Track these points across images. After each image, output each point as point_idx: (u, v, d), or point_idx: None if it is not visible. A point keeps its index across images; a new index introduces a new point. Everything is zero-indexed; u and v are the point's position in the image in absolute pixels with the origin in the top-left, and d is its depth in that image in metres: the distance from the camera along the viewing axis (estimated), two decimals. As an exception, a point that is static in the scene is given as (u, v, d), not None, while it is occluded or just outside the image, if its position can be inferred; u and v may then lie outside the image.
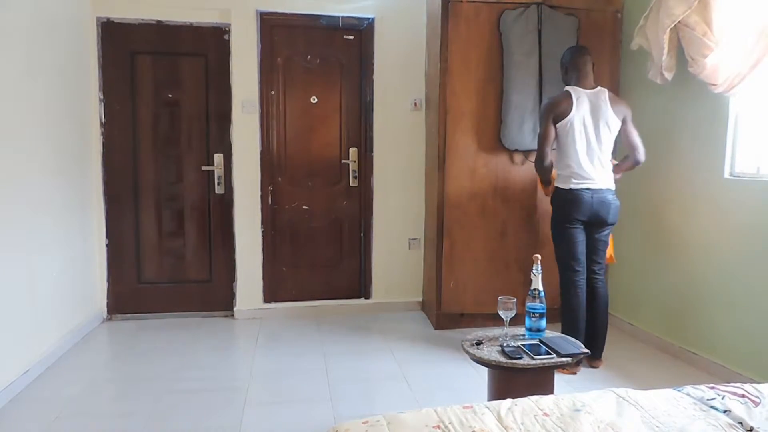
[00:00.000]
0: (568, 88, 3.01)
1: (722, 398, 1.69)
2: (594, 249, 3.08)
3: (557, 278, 3.37)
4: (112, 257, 3.91)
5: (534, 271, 2.31)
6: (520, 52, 3.46)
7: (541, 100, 3.47)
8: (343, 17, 3.95)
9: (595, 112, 2.95)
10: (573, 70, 3.04)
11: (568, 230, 3.02)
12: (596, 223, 3.02)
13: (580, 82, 3.00)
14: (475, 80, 3.53)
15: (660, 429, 1.52)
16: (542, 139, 3.01)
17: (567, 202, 2.97)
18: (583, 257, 3.05)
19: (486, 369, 2.29)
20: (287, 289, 4.11)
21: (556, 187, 3.05)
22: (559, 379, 2.35)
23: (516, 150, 3.55)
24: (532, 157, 3.53)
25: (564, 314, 3.08)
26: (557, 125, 2.97)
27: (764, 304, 2.72)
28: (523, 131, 3.50)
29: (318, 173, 4.08)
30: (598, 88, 3.01)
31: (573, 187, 2.95)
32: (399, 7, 3.98)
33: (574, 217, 2.97)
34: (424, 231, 4.15)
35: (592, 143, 2.96)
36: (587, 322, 3.08)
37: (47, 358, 3.09)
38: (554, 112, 2.97)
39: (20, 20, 2.88)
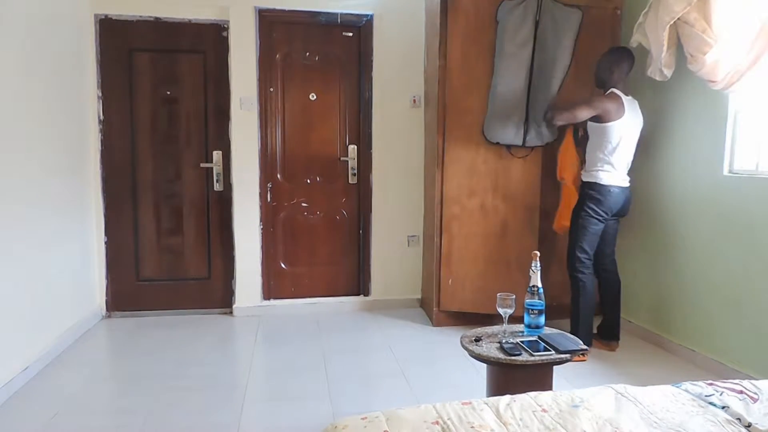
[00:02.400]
0: (616, 91, 3.14)
1: (720, 394, 1.69)
2: (613, 238, 3.37)
3: (556, 276, 3.39)
4: (111, 255, 3.90)
5: (533, 268, 2.31)
6: (514, 43, 3.35)
7: (529, 94, 3.37)
8: (341, 14, 3.94)
9: (635, 119, 3.19)
10: (619, 72, 3.17)
11: (597, 223, 3.20)
12: (618, 215, 3.31)
13: (620, 87, 3.17)
14: (474, 76, 3.49)
15: (658, 425, 1.52)
16: (569, 116, 3.14)
17: (604, 196, 3.15)
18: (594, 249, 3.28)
19: (485, 365, 2.30)
20: (286, 286, 4.12)
21: (593, 182, 3.18)
22: (558, 375, 2.35)
23: (498, 143, 3.47)
24: (517, 152, 3.49)
25: (582, 304, 3.22)
26: (602, 124, 3.12)
27: (763, 302, 2.73)
28: (507, 125, 3.41)
29: (317, 170, 4.08)
30: (630, 96, 3.21)
31: (612, 183, 3.16)
32: (398, 4, 3.98)
33: (610, 211, 3.19)
34: (423, 228, 4.15)
35: (629, 146, 3.19)
36: (606, 308, 3.36)
37: (46, 355, 3.09)
38: (603, 110, 3.10)
39: (17, 17, 2.87)
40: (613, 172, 3.17)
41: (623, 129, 3.13)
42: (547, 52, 3.34)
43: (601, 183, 3.16)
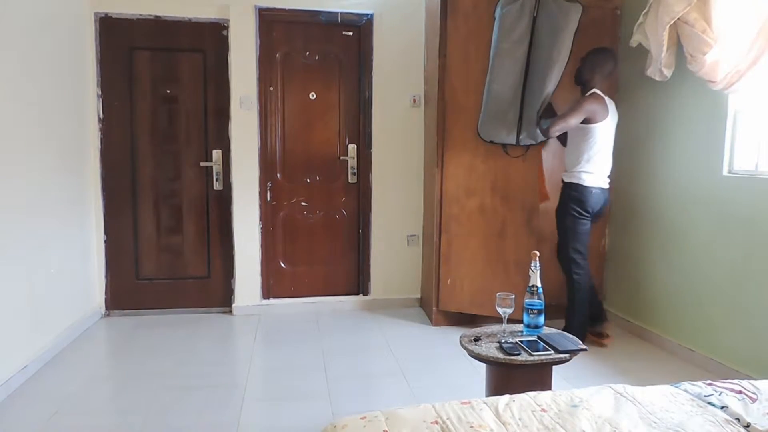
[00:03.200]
0: (598, 92, 3.19)
1: (719, 394, 1.69)
2: (589, 237, 3.41)
3: (556, 276, 3.39)
4: (111, 253, 3.90)
5: (532, 268, 2.31)
6: (510, 40, 3.25)
7: (524, 92, 3.29)
8: (342, 13, 3.94)
9: (615, 120, 3.27)
10: (601, 74, 3.24)
11: (585, 222, 3.27)
12: (597, 216, 3.36)
13: (600, 87, 3.22)
14: (474, 76, 3.48)
15: (657, 425, 1.52)
16: (564, 125, 3.12)
17: (586, 198, 3.21)
18: None
19: (484, 365, 2.30)
20: (285, 285, 4.12)
21: (576, 183, 3.22)
22: (557, 375, 2.35)
23: (491, 142, 3.41)
24: (513, 152, 3.44)
25: (577, 301, 3.30)
26: (588, 125, 3.14)
27: (762, 301, 2.73)
28: (501, 123, 3.34)
29: (316, 170, 4.08)
30: (608, 97, 3.27)
31: (593, 185, 3.22)
32: (398, 3, 3.97)
33: (591, 211, 3.25)
34: (422, 228, 4.15)
35: (610, 147, 3.26)
36: (593, 306, 3.41)
37: (45, 354, 3.09)
38: (591, 112, 3.13)
39: (17, 16, 2.87)
40: (595, 173, 3.21)
41: (606, 130, 3.18)
42: (543, 49, 3.22)
43: (584, 185, 3.21)
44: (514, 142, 3.38)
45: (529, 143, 3.38)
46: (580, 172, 3.21)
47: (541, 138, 3.36)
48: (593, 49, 3.30)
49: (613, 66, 3.29)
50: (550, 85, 3.22)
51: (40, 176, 3.11)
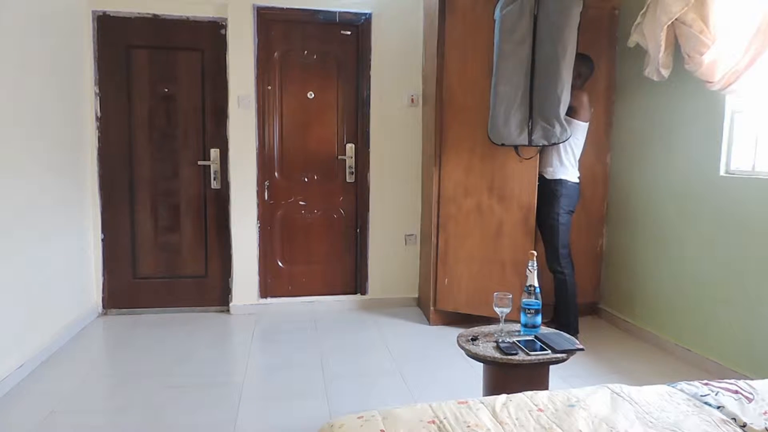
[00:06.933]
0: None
1: (716, 394, 1.70)
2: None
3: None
4: (108, 252, 3.90)
5: (530, 267, 2.31)
6: (511, 41, 3.17)
7: (531, 92, 3.19)
8: (340, 12, 3.94)
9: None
10: (583, 78, 3.39)
11: (570, 218, 3.41)
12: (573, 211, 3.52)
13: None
14: (472, 75, 3.48)
15: (654, 424, 1.53)
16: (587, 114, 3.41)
17: (572, 192, 3.37)
18: None
19: (481, 364, 2.30)
20: (283, 284, 4.11)
21: (564, 180, 3.34)
22: (554, 374, 2.36)
23: (503, 144, 3.31)
24: (524, 152, 3.40)
25: (570, 297, 3.38)
26: (581, 123, 3.32)
27: (758, 301, 2.73)
28: (510, 124, 3.23)
29: (314, 169, 4.08)
30: None
31: (576, 180, 3.39)
32: (396, 2, 3.97)
33: (575, 206, 3.43)
34: (420, 227, 4.15)
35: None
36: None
37: (42, 353, 3.08)
38: (587, 103, 3.35)
39: (14, 13, 2.86)
40: (573, 169, 3.38)
41: (586, 127, 3.38)
42: (547, 47, 3.14)
43: (571, 181, 3.37)
44: (526, 143, 3.25)
45: (542, 143, 3.23)
46: (565, 168, 3.35)
47: (554, 139, 3.20)
48: (578, 54, 3.21)
49: (590, 71, 3.43)
50: (564, 83, 3.11)
51: (38, 175, 3.10)
